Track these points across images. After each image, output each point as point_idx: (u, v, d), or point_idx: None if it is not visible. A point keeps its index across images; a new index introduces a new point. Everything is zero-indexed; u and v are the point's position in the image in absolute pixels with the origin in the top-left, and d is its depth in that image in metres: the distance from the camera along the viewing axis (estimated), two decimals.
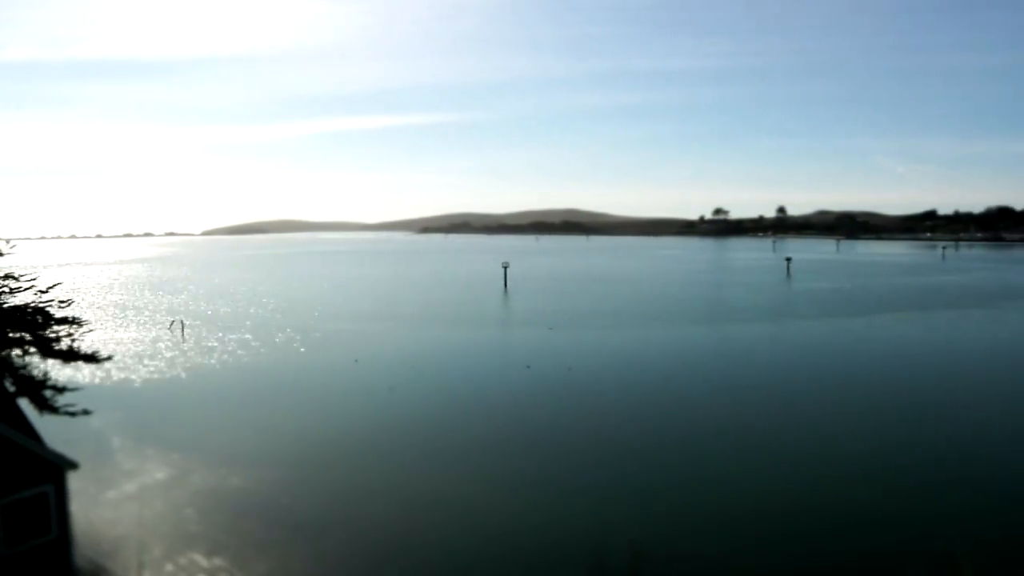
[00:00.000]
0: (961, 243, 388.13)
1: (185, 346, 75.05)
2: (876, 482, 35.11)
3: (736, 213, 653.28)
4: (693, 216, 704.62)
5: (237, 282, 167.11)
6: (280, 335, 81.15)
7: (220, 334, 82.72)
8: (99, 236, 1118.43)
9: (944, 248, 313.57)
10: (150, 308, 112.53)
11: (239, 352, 71.35)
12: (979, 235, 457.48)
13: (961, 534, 27.95)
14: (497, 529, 29.80)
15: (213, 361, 67.04)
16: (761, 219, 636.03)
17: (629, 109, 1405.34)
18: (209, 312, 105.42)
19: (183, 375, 61.18)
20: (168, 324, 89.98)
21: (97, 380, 57.98)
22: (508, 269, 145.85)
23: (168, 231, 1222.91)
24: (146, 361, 66.92)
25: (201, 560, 26.79)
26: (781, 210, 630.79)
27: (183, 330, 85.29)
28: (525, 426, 45.05)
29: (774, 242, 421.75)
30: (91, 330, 48.58)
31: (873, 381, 57.43)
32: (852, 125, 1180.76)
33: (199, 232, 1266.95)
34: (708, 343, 76.28)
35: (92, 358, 34.04)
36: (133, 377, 60.22)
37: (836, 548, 28.17)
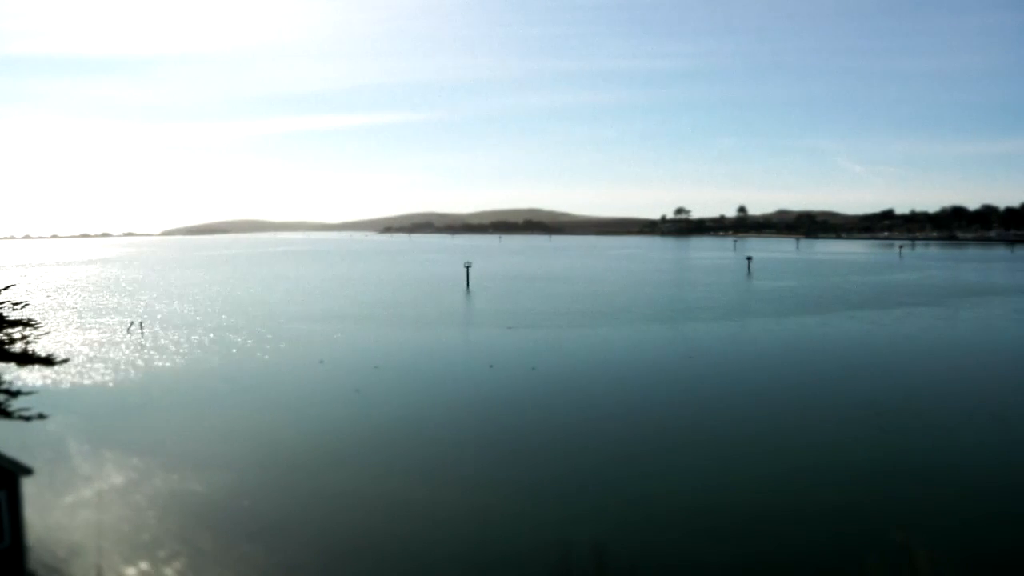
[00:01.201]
0: (917, 242, 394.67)
1: (144, 348, 73.93)
2: (836, 475, 35.58)
3: (697, 213, 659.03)
4: (655, 216, 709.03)
5: (197, 283, 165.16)
6: (242, 336, 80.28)
7: (180, 336, 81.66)
8: (55, 236, 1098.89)
9: (901, 247, 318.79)
10: (108, 310, 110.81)
11: (200, 354, 70.47)
12: (934, 234, 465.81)
13: (917, 525, 28.40)
14: (460, 529, 29.72)
15: (173, 363, 66.14)
16: (722, 219, 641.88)
17: (590, 109, 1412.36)
18: (169, 313, 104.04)
19: (142, 378, 60.27)
20: (127, 326, 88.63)
21: (53, 383, 56.91)
22: (470, 269, 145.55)
23: (126, 231, 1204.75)
24: (104, 364, 65.82)
25: (161, 565, 26.41)
26: (742, 210, 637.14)
27: (142, 332, 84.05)
28: (489, 426, 45.03)
29: (735, 241, 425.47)
30: (47, 332, 47.75)
31: (832, 378, 58.16)
32: (811, 126, 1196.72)
33: (158, 232, 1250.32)
34: (669, 342, 76.72)
35: (48, 361, 33.42)
36: (90, 380, 59.22)
37: (797, 539, 28.57)
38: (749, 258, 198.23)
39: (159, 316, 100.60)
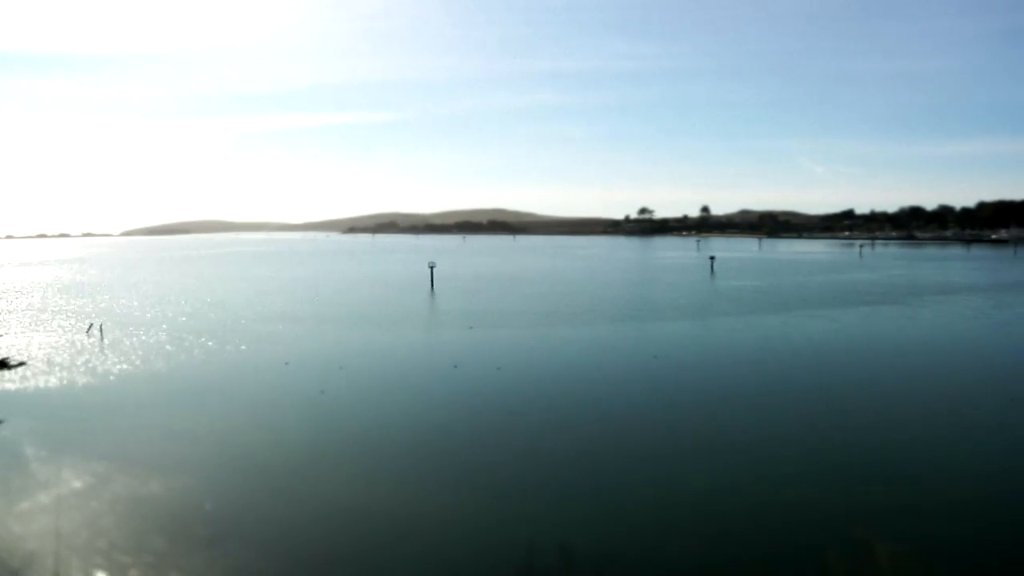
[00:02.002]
0: (877, 241, 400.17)
1: (104, 350, 72.81)
2: (798, 473, 35.94)
3: (661, 212, 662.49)
4: (618, 216, 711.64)
5: (159, 284, 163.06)
6: (205, 337, 79.33)
7: (141, 337, 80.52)
8: (9, 237, 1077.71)
9: (862, 246, 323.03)
10: (66, 311, 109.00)
11: (161, 356, 69.52)
12: (894, 234, 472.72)
13: (877, 520, 28.74)
14: (425, 531, 29.59)
15: (133, 365, 65.17)
16: (685, 218, 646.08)
17: (554, 109, 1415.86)
18: (129, 315, 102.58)
19: (101, 380, 59.33)
20: (86, 328, 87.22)
21: (9, 387, 55.84)
22: (435, 269, 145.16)
23: (85, 231, 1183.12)
24: (62, 366, 64.68)
25: (121, 571, 25.99)
26: (705, 209, 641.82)
27: (101, 334, 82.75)
28: (454, 426, 44.91)
29: (698, 241, 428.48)
30: (2, 335, 46.91)
31: (794, 376, 58.80)
32: (773, 127, 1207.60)
33: (118, 232, 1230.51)
34: (634, 342, 77.07)
35: (3, 364, 32.87)
36: (48, 383, 58.15)
37: (760, 536, 28.84)
38: (712, 258, 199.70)
39: (119, 318, 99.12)
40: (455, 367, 62.06)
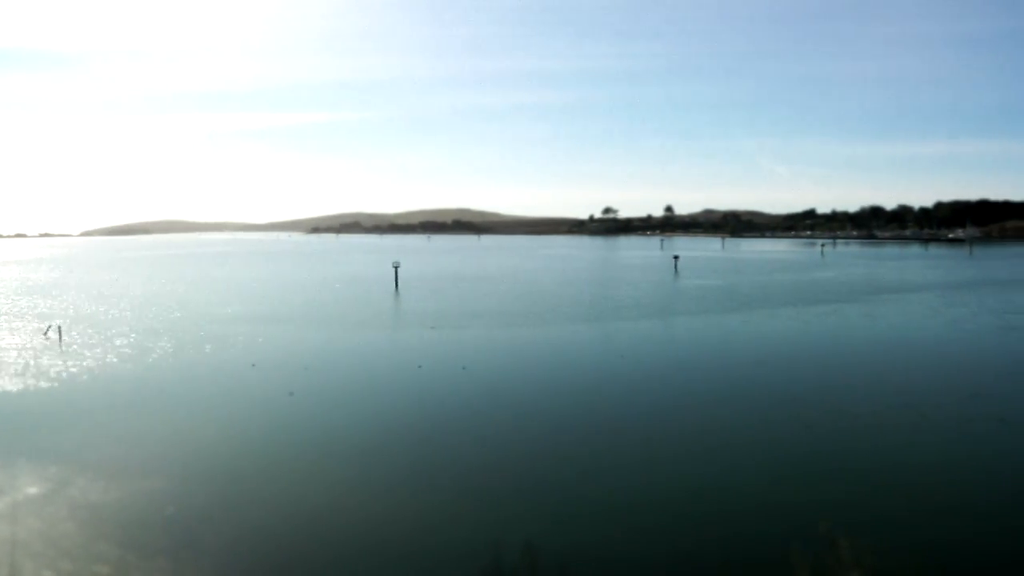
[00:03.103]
0: (838, 240, 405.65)
1: (63, 352, 71.53)
2: (762, 470, 36.26)
3: (625, 212, 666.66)
4: (583, 215, 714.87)
5: (119, 285, 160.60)
6: (167, 339, 78.22)
7: (102, 339, 79.22)
8: None
9: (823, 245, 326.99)
10: (24, 313, 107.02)
11: (123, 358, 68.39)
12: (854, 233, 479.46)
13: (840, 515, 28.93)
14: (392, 532, 29.43)
15: (94, 367, 64.05)
16: (649, 218, 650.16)
17: (519, 109, 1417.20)
18: (89, 316, 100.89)
19: (60, 383, 58.24)
20: (44, 330, 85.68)
21: None
22: (399, 269, 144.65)
23: (43, 232, 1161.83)
24: (18, 369, 63.45)
25: None
26: (668, 209, 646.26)
27: (60, 335, 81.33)
28: (421, 427, 44.72)
29: (662, 240, 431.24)
30: None
31: (757, 374, 59.28)
32: (735, 127, 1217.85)
33: (77, 233, 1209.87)
34: (599, 341, 77.36)
35: None
36: (3, 386, 57.03)
37: (726, 533, 29.06)
38: (676, 257, 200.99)
39: (79, 319, 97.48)
40: (419, 367, 61.81)
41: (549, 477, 35.59)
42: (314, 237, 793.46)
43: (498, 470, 36.70)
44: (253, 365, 63.61)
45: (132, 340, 78.21)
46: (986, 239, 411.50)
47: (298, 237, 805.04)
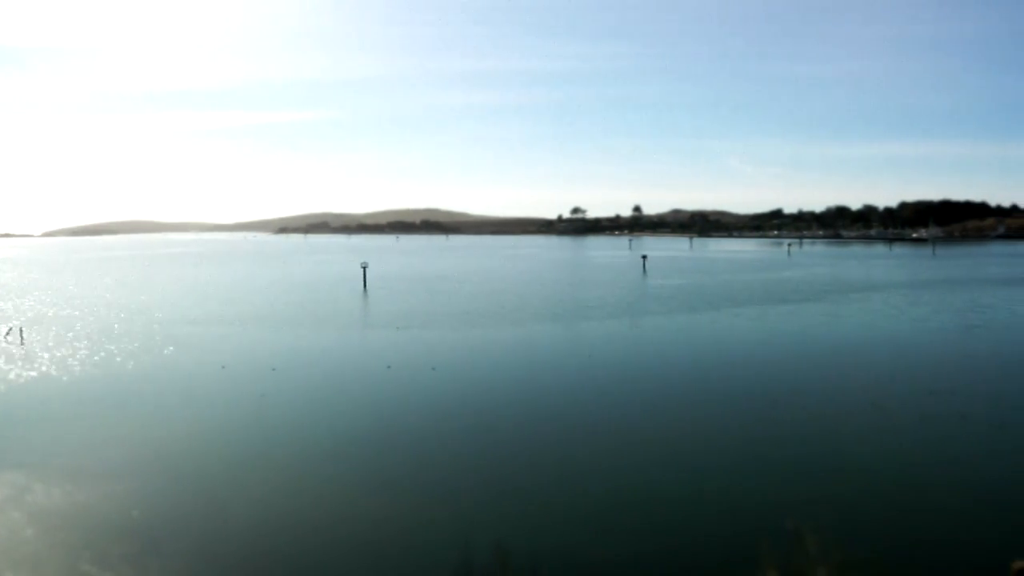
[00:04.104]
0: (805, 240, 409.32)
1: (25, 355, 70.38)
2: (730, 468, 36.58)
3: (593, 212, 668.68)
4: (551, 215, 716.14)
5: (84, 285, 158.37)
6: (134, 341, 77.17)
7: (66, 341, 78.07)
8: None
9: (790, 245, 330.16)
10: None
11: (88, 361, 67.32)
12: (821, 233, 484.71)
13: (807, 512, 29.23)
14: (362, 534, 29.34)
15: (58, 370, 63.04)
16: (618, 218, 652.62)
17: (487, 109, 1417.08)
18: (53, 318, 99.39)
19: (23, 386, 57.32)
20: (5, 332, 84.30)
21: None
22: (367, 269, 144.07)
23: (4, 232, 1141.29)
24: None
25: None
26: (637, 209, 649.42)
27: (22, 337, 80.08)
28: (391, 428, 44.62)
29: (630, 240, 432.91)
30: None
31: (725, 373, 59.75)
32: (702, 127, 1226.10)
33: (39, 233, 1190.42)
34: (568, 341, 77.53)
35: None
36: None
37: (696, 531, 29.33)
38: (644, 257, 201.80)
39: (42, 320, 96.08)
40: (389, 368, 61.61)
41: (519, 478, 35.64)
42: (282, 237, 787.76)
43: (468, 471, 36.68)
44: (223, 367, 62.91)
45: (97, 342, 77.10)
46: (948, 239, 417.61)
47: (265, 237, 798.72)
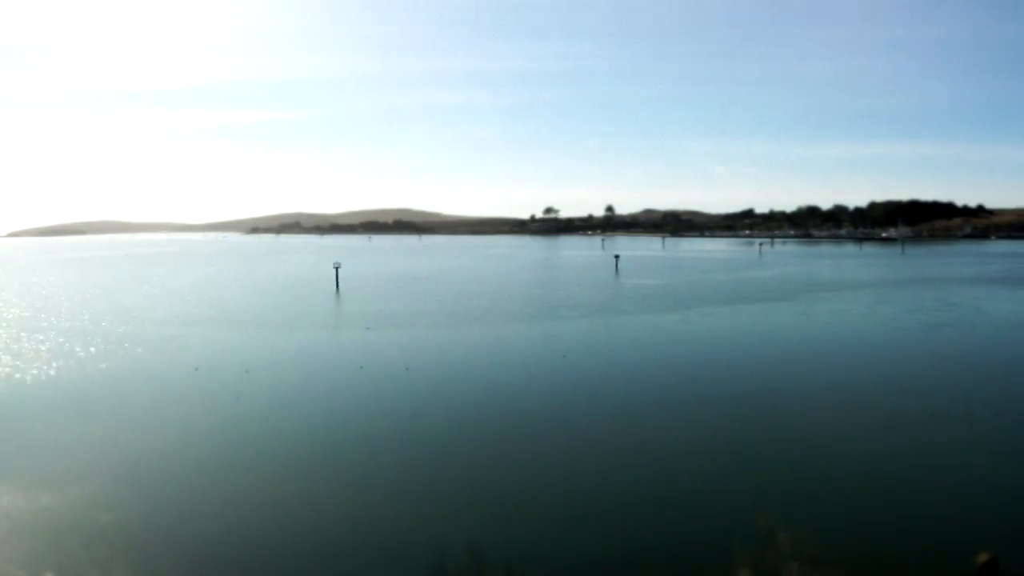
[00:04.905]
0: (776, 240, 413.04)
1: None
2: (702, 466, 36.78)
3: (566, 212, 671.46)
4: (524, 215, 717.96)
5: (52, 286, 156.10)
6: (105, 342, 76.20)
7: (33, 342, 76.91)
8: None
9: (761, 245, 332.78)
10: None
11: (56, 362, 66.31)
12: (791, 232, 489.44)
13: (779, 509, 29.54)
14: (334, 534, 29.16)
15: (23, 372, 62.04)
16: (591, 218, 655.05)
17: (460, 109, 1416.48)
18: (19, 319, 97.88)
19: None
20: None
21: None
22: (340, 269, 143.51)
23: None
24: None
25: None
26: (610, 209, 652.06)
27: None
28: (364, 429, 44.42)
29: (603, 240, 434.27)
30: None
31: (697, 373, 60.10)
32: (674, 127, 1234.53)
33: (5, 233, 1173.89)
34: (542, 340, 77.52)
35: None
36: None
37: (667, 529, 29.41)
38: (617, 256, 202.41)
39: (7, 322, 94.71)
40: (361, 368, 61.36)
41: (494, 478, 35.61)
42: (254, 237, 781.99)
43: (442, 471, 36.57)
44: (197, 369, 62.28)
45: (65, 344, 76.05)
46: (917, 238, 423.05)
47: (237, 237, 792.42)
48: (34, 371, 62.59)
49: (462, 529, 28.85)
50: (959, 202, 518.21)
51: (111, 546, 28.01)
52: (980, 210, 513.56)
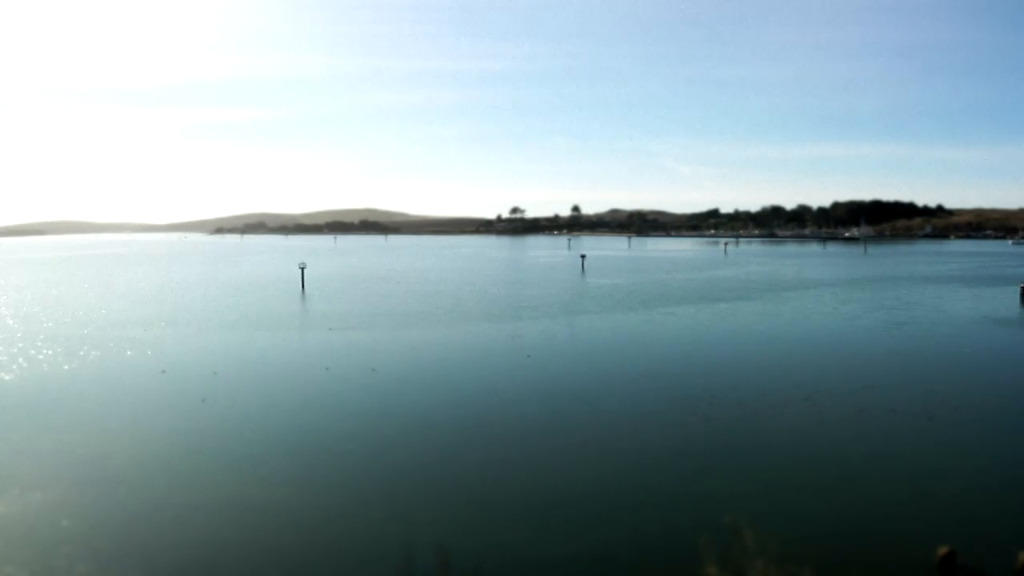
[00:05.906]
0: (741, 239, 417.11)
1: None
2: (667, 465, 37.09)
3: (532, 212, 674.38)
4: (490, 215, 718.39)
5: (10, 288, 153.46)
6: (68, 344, 74.88)
7: None
8: None
9: (726, 244, 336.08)
10: None
11: (16, 366, 65.13)
12: (756, 232, 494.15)
13: (744, 506, 29.75)
14: (301, 537, 28.95)
15: None
16: (557, 217, 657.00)
17: (425, 109, 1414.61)
18: None
19: None
20: None
21: None
22: (305, 270, 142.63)
23: None
24: None
25: None
26: (576, 208, 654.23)
27: None
28: (330, 430, 44.09)
29: (569, 240, 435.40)
30: None
31: (662, 372, 60.42)
32: (639, 128, 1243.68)
33: None
34: (507, 340, 77.53)
35: None
36: None
37: (635, 528, 29.60)
38: (583, 256, 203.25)
39: None
40: (327, 369, 61.01)
41: (460, 478, 35.58)
42: (218, 238, 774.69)
43: (409, 472, 36.48)
44: (163, 372, 61.39)
45: (25, 347, 74.70)
46: (879, 237, 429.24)
47: (201, 238, 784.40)
48: (5, 375, 61.48)
49: (429, 530, 28.81)
50: (920, 202, 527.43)
51: (71, 552, 27.57)
52: (940, 210, 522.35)
